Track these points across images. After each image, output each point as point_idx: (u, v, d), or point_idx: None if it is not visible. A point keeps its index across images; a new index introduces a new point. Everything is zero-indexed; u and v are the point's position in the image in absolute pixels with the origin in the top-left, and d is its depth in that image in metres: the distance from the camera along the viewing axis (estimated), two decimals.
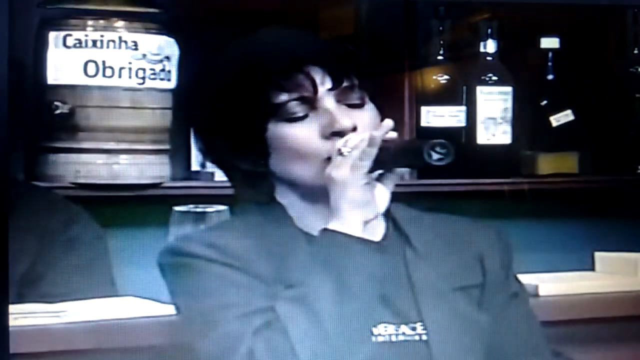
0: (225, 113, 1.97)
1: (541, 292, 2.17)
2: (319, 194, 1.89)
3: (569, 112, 3.05)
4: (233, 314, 1.82)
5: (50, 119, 2.68)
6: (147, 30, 2.69)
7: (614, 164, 3.16)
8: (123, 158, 2.71)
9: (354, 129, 1.87)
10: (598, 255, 2.37)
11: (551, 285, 2.20)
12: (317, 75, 1.91)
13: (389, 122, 1.85)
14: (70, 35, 2.66)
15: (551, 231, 2.84)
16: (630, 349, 2.22)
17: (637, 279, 2.31)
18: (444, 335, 1.88)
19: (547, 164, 3.05)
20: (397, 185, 1.90)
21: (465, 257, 1.97)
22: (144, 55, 2.68)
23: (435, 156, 1.83)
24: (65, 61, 2.67)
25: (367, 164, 1.84)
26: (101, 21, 2.68)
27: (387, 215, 1.94)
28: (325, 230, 1.85)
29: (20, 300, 2.18)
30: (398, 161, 1.87)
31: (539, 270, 2.21)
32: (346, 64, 1.96)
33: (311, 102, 1.90)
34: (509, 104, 3.00)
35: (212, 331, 1.84)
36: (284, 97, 1.90)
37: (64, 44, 2.65)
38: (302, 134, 1.90)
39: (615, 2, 2.89)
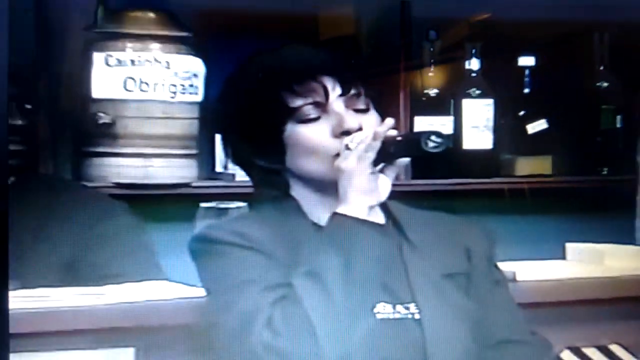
0: (249, 118, 1.97)
1: (518, 278, 2.17)
2: (328, 188, 1.89)
3: (543, 121, 3.06)
4: (253, 290, 1.82)
5: (95, 127, 2.68)
6: (178, 52, 2.68)
7: (583, 167, 3.16)
8: (156, 161, 2.71)
9: (360, 130, 1.87)
10: (569, 245, 2.37)
11: (527, 271, 2.20)
12: (329, 83, 1.91)
13: (390, 120, 1.87)
14: (111, 55, 2.66)
15: (528, 225, 2.83)
16: (596, 328, 2.22)
17: (602, 267, 2.32)
18: (434, 316, 1.87)
19: (524, 166, 3.06)
20: (394, 185, 1.88)
21: (453, 248, 1.96)
22: (175, 73, 2.68)
23: (431, 144, 1.85)
24: (107, 78, 2.67)
25: (372, 155, 1.84)
26: (138, 44, 2.67)
27: (386, 210, 1.94)
28: (335, 214, 1.85)
29: (67, 283, 2.16)
30: (399, 152, 1.87)
31: (517, 258, 2.20)
32: (354, 75, 1.96)
33: (323, 106, 1.90)
34: (491, 114, 3.01)
35: (236, 304, 1.83)
36: (300, 101, 1.90)
37: (107, 63, 2.65)
38: (315, 133, 1.90)
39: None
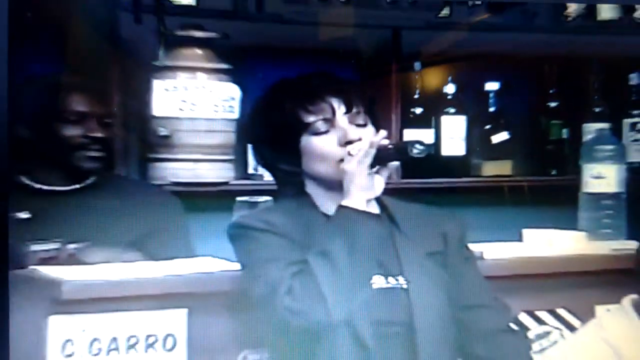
0: (273, 131, 1.97)
1: (485, 256, 2.15)
2: (335, 185, 1.89)
3: (505, 133, 3.04)
4: (277, 265, 1.83)
5: (156, 139, 2.68)
6: (220, 80, 2.67)
7: (536, 169, 3.14)
8: (202, 165, 2.69)
9: (360, 140, 1.88)
10: (525, 231, 2.36)
11: (492, 251, 2.20)
12: (335, 104, 1.91)
13: (383, 132, 1.90)
14: (169, 83, 2.65)
15: (493, 215, 2.80)
16: (546, 295, 2.20)
17: (551, 248, 2.32)
18: (418, 286, 1.88)
19: (489, 168, 3.03)
20: (387, 183, 1.88)
21: (433, 233, 1.96)
22: (217, 97, 2.67)
23: (415, 151, 1.87)
24: (165, 101, 2.66)
25: (369, 160, 1.85)
26: (189, 74, 2.66)
27: (380, 203, 1.94)
28: (340, 206, 1.85)
29: (137, 258, 2.19)
30: (390, 157, 1.88)
31: (484, 241, 2.19)
32: (355, 97, 1.94)
33: (331, 122, 1.91)
34: (464, 128, 3.00)
35: (264, 277, 1.83)
36: (312, 118, 1.90)
37: (165, 89, 2.65)
38: (325, 143, 1.90)
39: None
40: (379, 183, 1.88)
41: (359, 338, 1.82)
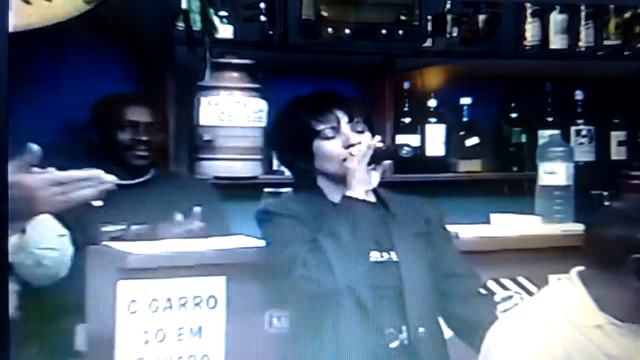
0: (291, 137, 1.96)
1: (460, 236, 2.14)
2: (340, 180, 1.88)
3: (475, 138, 3.01)
4: (294, 243, 1.82)
5: (201, 142, 2.65)
6: (251, 96, 2.64)
7: (501, 166, 3.10)
8: (237, 163, 2.66)
9: (359, 143, 1.88)
10: (492, 215, 2.34)
11: (466, 231, 2.18)
12: (340, 115, 1.91)
13: (377, 137, 1.91)
14: (210, 98, 2.62)
15: (466, 202, 2.77)
16: (510, 266, 2.18)
17: (513, 228, 2.27)
18: (407, 259, 1.87)
19: (464, 166, 2.99)
20: (381, 178, 1.88)
21: (419, 217, 1.95)
22: (249, 109, 2.64)
23: (404, 152, 1.88)
24: (208, 112, 2.63)
25: (367, 159, 1.85)
26: (227, 92, 2.62)
27: (376, 193, 1.93)
28: (344, 196, 1.85)
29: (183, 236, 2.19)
30: (384, 157, 1.89)
31: (459, 223, 2.17)
32: (355, 110, 1.94)
33: (337, 129, 1.90)
34: (443, 134, 2.96)
35: (283, 252, 1.84)
36: (322, 126, 1.90)
37: (208, 103, 2.62)
38: (331, 146, 1.90)
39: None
40: (374, 178, 1.88)
41: (359, 300, 1.82)
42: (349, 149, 1.89)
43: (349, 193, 1.86)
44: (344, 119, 1.91)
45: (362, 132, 1.92)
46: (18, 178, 1.39)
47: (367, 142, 1.89)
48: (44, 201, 1.42)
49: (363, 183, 1.86)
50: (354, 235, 1.83)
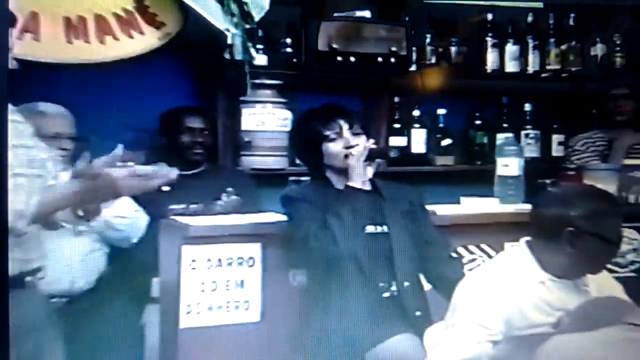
0: (305, 140, 1.95)
1: (437, 213, 2.09)
2: (343, 173, 1.87)
3: (449, 140, 2.94)
4: (309, 221, 1.81)
5: (242, 143, 2.60)
6: (279, 108, 2.59)
7: (468, 160, 2.99)
8: (269, 158, 2.60)
9: (357, 145, 1.87)
10: (462, 198, 2.30)
11: (442, 210, 2.12)
12: (342, 123, 1.89)
13: (372, 140, 1.90)
14: (249, 109, 2.58)
15: (442, 188, 2.73)
16: (475, 235, 2.15)
17: (477, 207, 2.25)
18: (396, 232, 1.86)
19: (440, 160, 2.92)
20: (376, 170, 1.89)
21: (404, 199, 1.92)
22: (278, 118, 2.60)
23: (391, 153, 1.88)
24: (248, 120, 2.59)
25: (363, 157, 1.85)
26: (262, 105, 2.57)
27: (372, 182, 1.91)
28: (346, 185, 1.85)
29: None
30: (377, 155, 1.90)
31: (437, 203, 2.12)
32: (355, 119, 1.92)
33: (340, 134, 1.88)
34: (425, 136, 2.89)
35: (300, 227, 1.83)
36: (328, 132, 1.88)
37: (248, 114, 2.59)
38: (336, 147, 1.88)
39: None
40: (369, 171, 1.88)
41: (359, 262, 1.81)
42: (349, 149, 1.87)
43: (350, 183, 1.85)
44: (345, 126, 1.89)
45: (359, 135, 1.90)
46: (107, 171, 1.42)
47: (364, 144, 1.88)
48: (126, 188, 1.45)
49: (360, 175, 1.86)
50: (353, 214, 1.82)
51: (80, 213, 1.50)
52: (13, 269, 1.24)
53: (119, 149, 1.45)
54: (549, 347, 1.41)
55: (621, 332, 1.36)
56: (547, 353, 1.42)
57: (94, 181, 1.41)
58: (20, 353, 1.30)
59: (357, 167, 1.86)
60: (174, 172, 1.50)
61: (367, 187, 1.90)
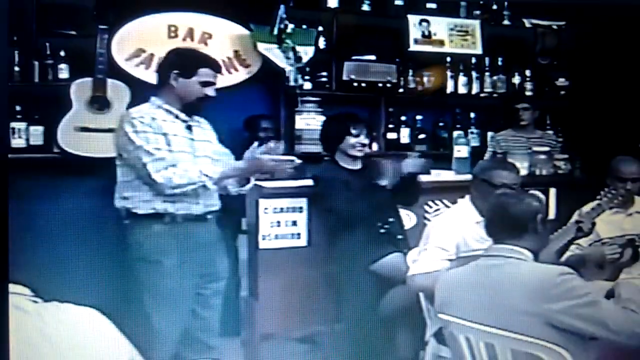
0: (336, 131, 1.86)
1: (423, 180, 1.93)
2: (348, 157, 1.83)
3: (424, 134, 2.80)
4: (327, 186, 1.78)
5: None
6: (318, 114, 2.48)
7: (436, 148, 2.82)
8: (312, 146, 2.39)
9: (365, 145, 1.84)
10: (432, 171, 2.11)
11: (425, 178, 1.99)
12: (364, 127, 1.84)
13: (375, 145, 1.90)
14: (300, 116, 2.43)
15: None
16: (439, 195, 2.05)
17: (441, 177, 2.14)
18: (379, 189, 1.78)
19: (418, 148, 2.69)
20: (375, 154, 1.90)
21: (380, 174, 1.81)
22: (318, 120, 2.42)
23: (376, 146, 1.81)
24: (300, 122, 2.45)
25: (362, 154, 1.82)
26: (307, 113, 2.43)
27: (362, 165, 1.85)
28: (351, 169, 1.82)
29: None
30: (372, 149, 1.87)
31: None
32: (369, 129, 1.88)
33: (359, 134, 1.84)
34: (408, 133, 2.74)
35: (323, 191, 1.79)
36: (354, 130, 1.83)
37: (300, 118, 2.44)
38: (354, 141, 1.83)
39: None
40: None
41: (363, 214, 1.73)
42: (362, 146, 1.83)
43: (350, 165, 1.83)
44: (364, 130, 1.84)
45: (368, 139, 1.85)
46: (260, 157, 1.49)
47: (365, 141, 1.83)
48: (265, 169, 1.52)
49: (357, 161, 1.83)
50: (355, 184, 1.78)
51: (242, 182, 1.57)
52: (198, 209, 1.49)
53: (272, 143, 1.51)
54: (445, 275, 1.35)
55: (484, 261, 1.26)
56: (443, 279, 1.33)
57: (254, 162, 1.49)
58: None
59: (358, 156, 1.83)
60: (297, 161, 1.55)
61: (359, 166, 1.86)
